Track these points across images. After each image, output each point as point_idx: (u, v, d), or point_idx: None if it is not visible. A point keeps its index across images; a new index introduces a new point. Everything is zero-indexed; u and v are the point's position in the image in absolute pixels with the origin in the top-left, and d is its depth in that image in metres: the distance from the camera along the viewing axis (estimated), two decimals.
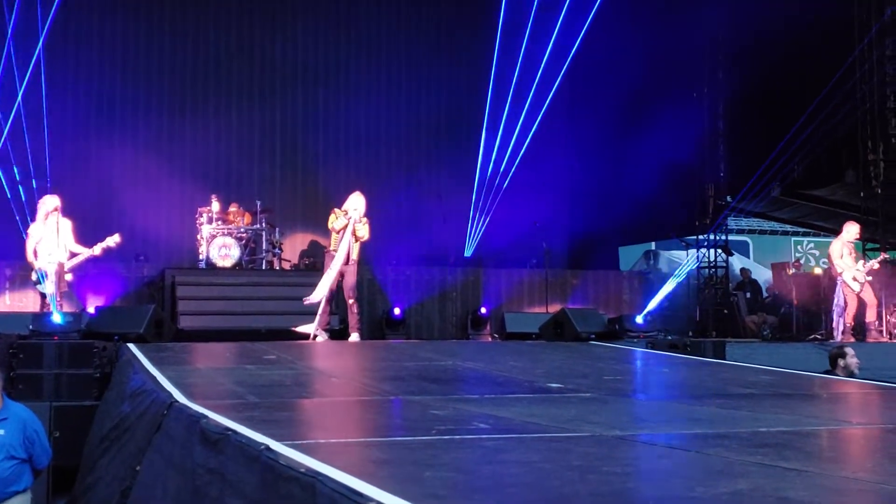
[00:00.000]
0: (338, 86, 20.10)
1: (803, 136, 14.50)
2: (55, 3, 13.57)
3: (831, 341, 13.05)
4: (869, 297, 13.58)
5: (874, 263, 13.77)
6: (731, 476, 3.81)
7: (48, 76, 14.62)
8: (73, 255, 12.22)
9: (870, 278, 13.55)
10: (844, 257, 13.57)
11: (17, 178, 13.29)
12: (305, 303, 12.27)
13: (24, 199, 13.05)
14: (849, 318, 13.54)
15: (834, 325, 13.84)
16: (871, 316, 13.66)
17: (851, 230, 13.76)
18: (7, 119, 13.86)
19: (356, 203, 12.31)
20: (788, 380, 8.80)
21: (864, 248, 15.61)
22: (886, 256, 14.22)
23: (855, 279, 13.45)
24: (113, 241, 12.47)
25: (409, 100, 20.51)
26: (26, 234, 12.17)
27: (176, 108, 19.08)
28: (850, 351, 9.36)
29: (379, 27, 20.39)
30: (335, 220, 12.31)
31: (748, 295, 18.55)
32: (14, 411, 7.17)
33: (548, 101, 17.65)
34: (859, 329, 13.72)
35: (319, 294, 12.15)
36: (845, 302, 13.55)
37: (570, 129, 19.63)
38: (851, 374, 9.16)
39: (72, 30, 17.73)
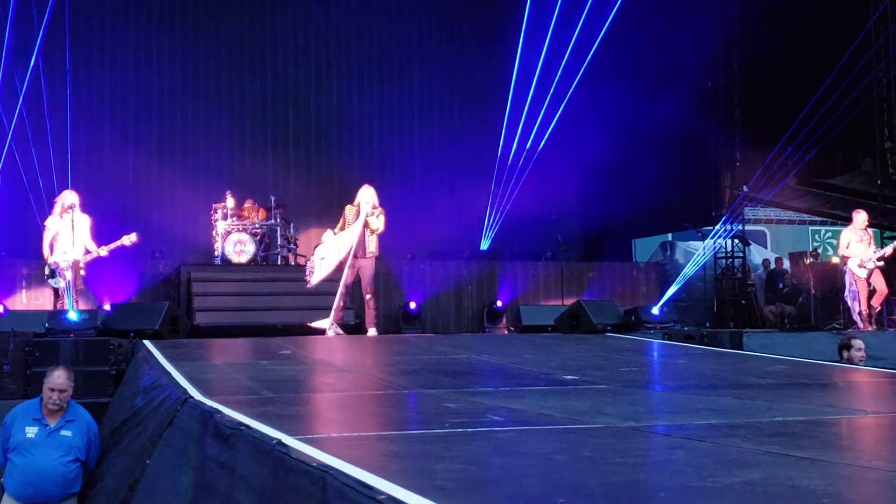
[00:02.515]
0: (351, 80, 20.10)
1: (814, 119, 14.42)
2: (48, 6, 13.53)
3: (849, 330, 13.02)
4: (879, 284, 13.54)
5: (888, 250, 13.71)
6: (744, 466, 3.78)
7: (71, 77, 14.67)
8: (89, 251, 12.23)
9: (881, 264, 13.50)
10: (852, 245, 13.55)
11: (38, 175, 13.30)
12: (308, 286, 12.24)
13: (44, 197, 13.05)
14: (863, 304, 13.49)
15: (852, 311, 13.80)
16: (875, 301, 13.62)
17: (860, 218, 13.74)
18: (25, 120, 13.87)
19: (366, 195, 12.23)
20: (805, 369, 8.75)
21: (882, 235, 15.54)
22: None
23: (861, 265, 13.43)
24: (129, 239, 12.44)
25: (423, 94, 20.49)
26: (43, 226, 12.19)
27: (190, 105, 19.12)
28: (856, 343, 9.27)
29: (392, 21, 20.35)
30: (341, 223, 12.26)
31: (781, 285, 18.42)
32: (79, 413, 7.30)
33: (568, 95, 17.58)
34: (869, 314, 13.67)
35: (318, 277, 12.09)
36: (857, 289, 13.52)
37: (585, 121, 19.54)
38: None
39: (83, 29, 17.79)
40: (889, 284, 13.80)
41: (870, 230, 13.85)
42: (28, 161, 13.62)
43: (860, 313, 13.51)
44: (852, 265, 13.56)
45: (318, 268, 12.08)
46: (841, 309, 15.29)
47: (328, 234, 12.22)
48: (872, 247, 13.62)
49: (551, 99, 17.75)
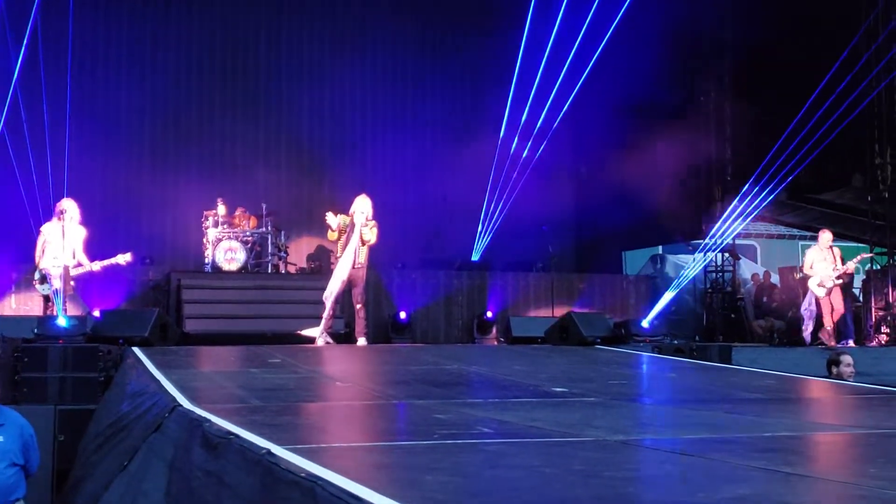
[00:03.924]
0: (343, 88, 20.09)
1: (803, 132, 14.49)
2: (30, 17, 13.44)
3: (838, 346, 13.15)
4: (837, 302, 13.95)
5: (850, 265, 14.20)
6: (733, 481, 3.79)
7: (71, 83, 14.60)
8: (80, 264, 12.18)
9: (839, 282, 13.92)
10: (816, 264, 14.00)
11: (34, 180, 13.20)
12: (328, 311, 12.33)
13: (39, 202, 12.97)
14: (826, 320, 13.91)
15: (804, 326, 14.35)
16: (834, 318, 13.99)
17: (825, 238, 14.25)
18: (24, 124, 13.75)
19: (362, 206, 12.26)
20: (794, 384, 8.79)
21: (872, 250, 15.67)
22: (863, 256, 15.02)
23: (821, 284, 13.85)
24: (123, 258, 12.41)
25: (416, 102, 20.47)
26: (38, 230, 12.17)
27: (182, 112, 19.09)
28: (845, 359, 9.34)
29: (387, 28, 20.34)
30: (331, 222, 12.34)
31: (766, 299, 18.47)
32: (10, 417, 7.01)
33: (564, 109, 17.58)
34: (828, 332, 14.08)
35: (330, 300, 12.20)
36: (817, 306, 13.99)
37: (578, 133, 19.61)
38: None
39: (74, 36, 17.74)
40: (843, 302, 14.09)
41: (834, 249, 14.21)
42: (25, 165, 13.54)
43: (815, 331, 14.02)
44: (812, 284, 13.99)
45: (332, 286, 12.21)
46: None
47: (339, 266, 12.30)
48: (835, 264, 13.94)
49: (548, 110, 17.74)
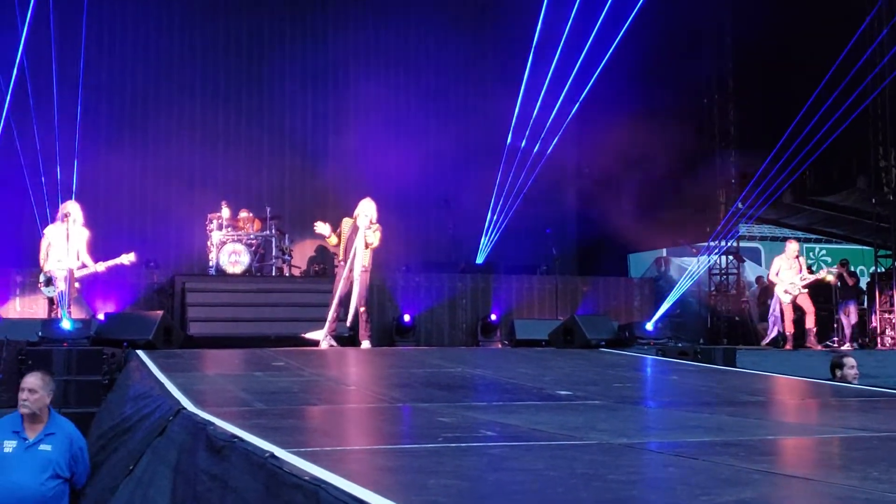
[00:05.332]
0: (347, 91, 20.11)
1: (803, 133, 14.51)
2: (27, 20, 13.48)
3: (841, 349, 13.17)
4: (806, 305, 14.44)
5: (812, 278, 14.67)
6: (736, 484, 3.79)
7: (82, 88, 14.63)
8: (85, 265, 12.20)
9: (805, 291, 14.39)
10: (782, 272, 14.54)
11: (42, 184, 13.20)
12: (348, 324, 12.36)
13: (47, 206, 12.98)
14: (787, 326, 14.43)
15: (768, 332, 15.21)
16: (809, 322, 14.49)
17: (791, 248, 14.85)
18: (34, 128, 13.76)
19: (366, 209, 12.25)
20: (797, 387, 8.77)
21: (876, 255, 15.68)
22: (835, 271, 15.83)
23: (787, 291, 14.39)
24: (127, 258, 12.42)
25: (420, 106, 20.47)
26: (42, 233, 12.20)
27: (186, 114, 19.13)
28: (848, 361, 9.35)
29: (391, 32, 20.38)
30: (322, 230, 12.38)
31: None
32: (61, 426, 6.76)
33: (570, 115, 17.59)
34: (801, 335, 14.54)
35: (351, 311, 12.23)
36: (781, 311, 14.58)
37: (580, 136, 19.60)
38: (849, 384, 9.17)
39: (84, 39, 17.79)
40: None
41: (801, 259, 14.81)
42: (33, 168, 13.55)
43: (779, 334, 14.69)
44: (779, 290, 14.54)
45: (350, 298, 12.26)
46: (835, 327, 15.41)
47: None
48: (801, 274, 14.44)
49: (550, 113, 17.73)
